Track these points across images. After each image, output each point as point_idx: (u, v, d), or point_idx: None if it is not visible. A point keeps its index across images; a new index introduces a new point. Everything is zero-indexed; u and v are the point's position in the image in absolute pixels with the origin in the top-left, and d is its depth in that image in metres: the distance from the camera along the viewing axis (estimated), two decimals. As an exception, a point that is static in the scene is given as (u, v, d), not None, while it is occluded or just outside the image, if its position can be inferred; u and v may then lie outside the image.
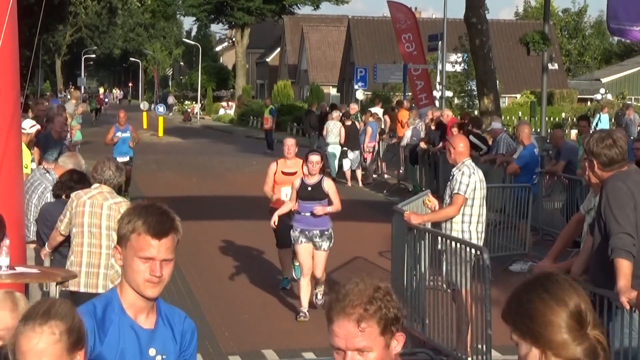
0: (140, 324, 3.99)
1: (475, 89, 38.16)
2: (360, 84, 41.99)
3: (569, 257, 9.69)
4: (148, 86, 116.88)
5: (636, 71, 70.22)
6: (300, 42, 77.99)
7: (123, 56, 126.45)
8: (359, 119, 30.80)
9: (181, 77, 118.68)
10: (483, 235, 10.53)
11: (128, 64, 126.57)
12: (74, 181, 9.55)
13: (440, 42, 33.82)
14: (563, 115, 52.20)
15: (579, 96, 63.09)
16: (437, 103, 33.56)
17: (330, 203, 12.04)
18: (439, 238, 10.45)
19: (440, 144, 22.17)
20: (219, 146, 46.03)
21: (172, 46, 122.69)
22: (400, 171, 26.86)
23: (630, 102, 48.99)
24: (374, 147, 28.51)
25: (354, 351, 3.17)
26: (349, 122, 28.24)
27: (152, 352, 4.01)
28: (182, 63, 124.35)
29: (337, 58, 72.25)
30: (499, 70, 40.28)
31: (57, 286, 8.81)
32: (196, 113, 77.86)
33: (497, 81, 32.87)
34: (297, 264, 12.89)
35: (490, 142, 20.67)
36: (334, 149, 28.35)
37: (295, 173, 12.91)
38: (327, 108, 34.21)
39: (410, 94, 35.17)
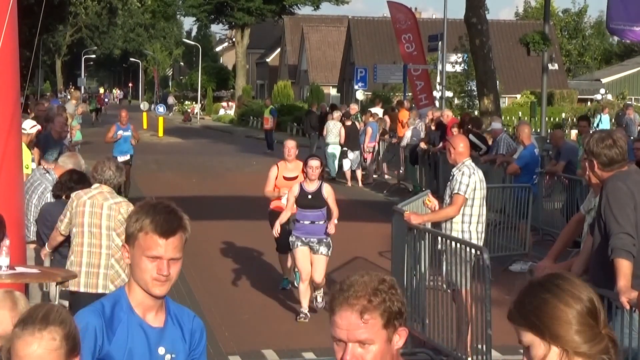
0: (149, 322, 3.96)
1: (475, 89, 38.15)
2: (360, 84, 41.99)
3: (569, 257, 9.69)
4: (148, 86, 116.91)
5: (636, 71, 70.21)
6: (300, 42, 77.99)
7: (123, 56, 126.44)
8: (359, 119, 30.82)
9: (181, 77, 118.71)
10: (483, 235, 10.53)
11: (128, 64, 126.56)
12: (74, 181, 9.54)
13: (440, 43, 33.82)
14: (563, 115, 52.21)
15: (579, 96, 63.09)
16: (437, 103, 33.56)
17: (328, 210, 11.99)
18: (439, 238, 10.45)
19: (440, 144, 22.17)
20: (219, 146, 46.03)
21: (172, 46, 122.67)
22: (400, 171, 26.86)
23: (630, 102, 48.97)
24: (374, 147, 28.52)
25: (355, 343, 3.11)
26: (349, 123, 28.25)
27: (161, 350, 3.98)
28: (182, 63, 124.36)
29: (337, 58, 72.26)
30: (499, 71, 40.28)
31: (57, 286, 8.81)
32: (196, 113, 77.87)
33: (497, 81, 32.87)
34: (297, 271, 12.85)
35: (490, 142, 20.67)
36: (334, 149, 28.37)
37: (296, 177, 12.83)
38: (327, 108, 34.22)
39: (410, 94, 35.16)
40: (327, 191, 12.02)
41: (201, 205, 22.64)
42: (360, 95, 44.65)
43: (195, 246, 16.42)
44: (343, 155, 28.03)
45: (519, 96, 59.96)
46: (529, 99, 52.59)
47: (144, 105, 59.52)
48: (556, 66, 57.62)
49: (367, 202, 24.36)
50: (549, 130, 30.80)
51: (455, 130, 21.24)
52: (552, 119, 48.35)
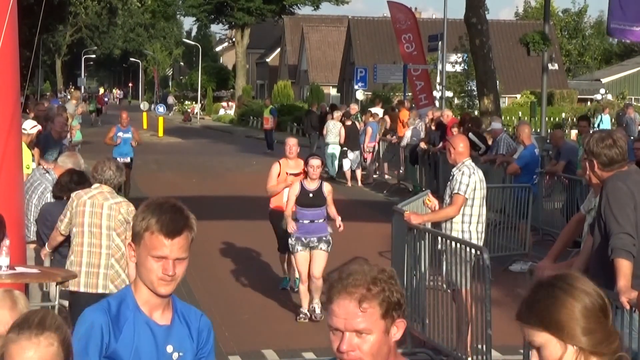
0: (155, 320, 3.94)
1: (475, 89, 38.14)
2: (360, 84, 41.98)
3: (569, 257, 9.70)
4: (148, 86, 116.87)
5: (636, 71, 70.22)
6: (300, 42, 77.98)
7: (123, 56, 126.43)
8: (359, 119, 30.82)
9: (181, 77, 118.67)
10: (483, 235, 10.53)
11: (128, 64, 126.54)
12: (74, 182, 9.54)
13: (440, 43, 33.80)
14: (563, 115, 52.22)
15: (579, 96, 63.09)
16: (437, 103, 33.55)
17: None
18: (439, 238, 10.44)
19: (440, 144, 22.17)
20: (219, 146, 46.03)
21: (172, 46, 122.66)
22: (400, 171, 26.85)
23: (630, 102, 48.98)
24: (374, 147, 28.52)
25: (352, 332, 3.05)
26: (349, 122, 28.25)
27: (169, 348, 3.95)
28: (182, 63, 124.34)
29: (337, 58, 72.25)
30: (499, 71, 40.27)
31: (57, 286, 8.81)
32: (196, 113, 77.85)
33: (497, 81, 32.86)
34: (297, 275, 12.85)
35: (490, 142, 20.66)
36: (334, 149, 28.37)
37: (299, 174, 12.83)
38: (327, 108, 34.23)
39: (410, 94, 35.16)
40: (328, 189, 12.08)
41: (201, 205, 22.61)
42: (360, 95, 44.64)
43: (195, 246, 16.24)
44: (343, 155, 28.03)
45: (519, 96, 59.97)
46: (529, 99, 52.59)
47: (144, 105, 59.55)
48: (556, 66, 57.66)
49: (367, 202, 24.36)
50: (549, 130, 30.80)
51: (455, 130, 21.24)
52: (552, 119, 48.35)
